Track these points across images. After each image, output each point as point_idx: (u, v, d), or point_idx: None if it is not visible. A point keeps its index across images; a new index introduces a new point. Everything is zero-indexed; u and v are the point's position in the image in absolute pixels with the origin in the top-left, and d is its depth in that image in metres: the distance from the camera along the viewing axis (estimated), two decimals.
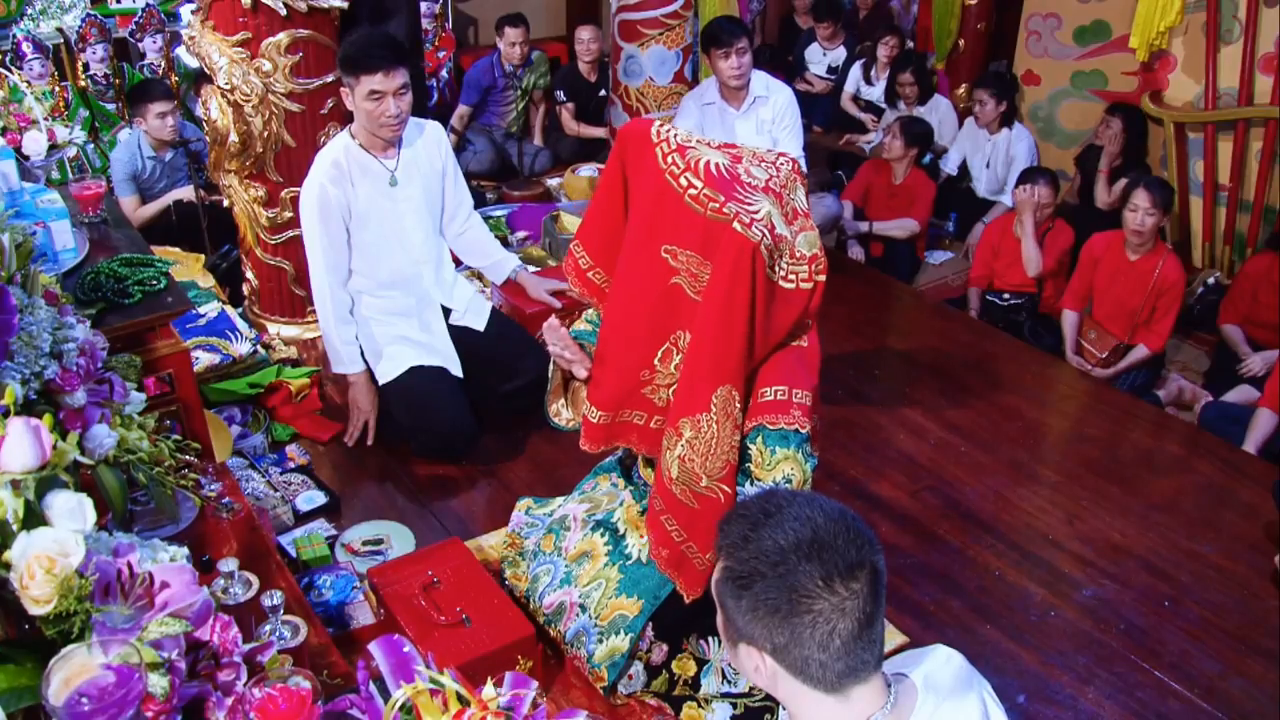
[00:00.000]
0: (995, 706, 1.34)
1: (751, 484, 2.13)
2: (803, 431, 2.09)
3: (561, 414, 2.49)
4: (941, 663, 1.34)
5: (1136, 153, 5.10)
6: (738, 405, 2.04)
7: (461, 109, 5.95)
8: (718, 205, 1.96)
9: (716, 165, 2.02)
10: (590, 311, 2.50)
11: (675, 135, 2.07)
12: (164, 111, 4.52)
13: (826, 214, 4.84)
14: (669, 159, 2.02)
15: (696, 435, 2.05)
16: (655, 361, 2.16)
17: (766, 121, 4.06)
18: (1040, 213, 4.52)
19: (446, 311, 3.31)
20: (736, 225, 1.93)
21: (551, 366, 2.43)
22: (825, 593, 1.18)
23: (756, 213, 1.96)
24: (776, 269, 2.02)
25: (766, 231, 1.95)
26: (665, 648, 2.37)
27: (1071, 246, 4.54)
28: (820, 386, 2.23)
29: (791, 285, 2.05)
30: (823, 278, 2.09)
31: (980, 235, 5.05)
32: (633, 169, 2.13)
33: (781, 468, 2.10)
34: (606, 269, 2.27)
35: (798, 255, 2.05)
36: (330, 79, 3.59)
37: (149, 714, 1.12)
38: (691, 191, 1.98)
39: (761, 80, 4.09)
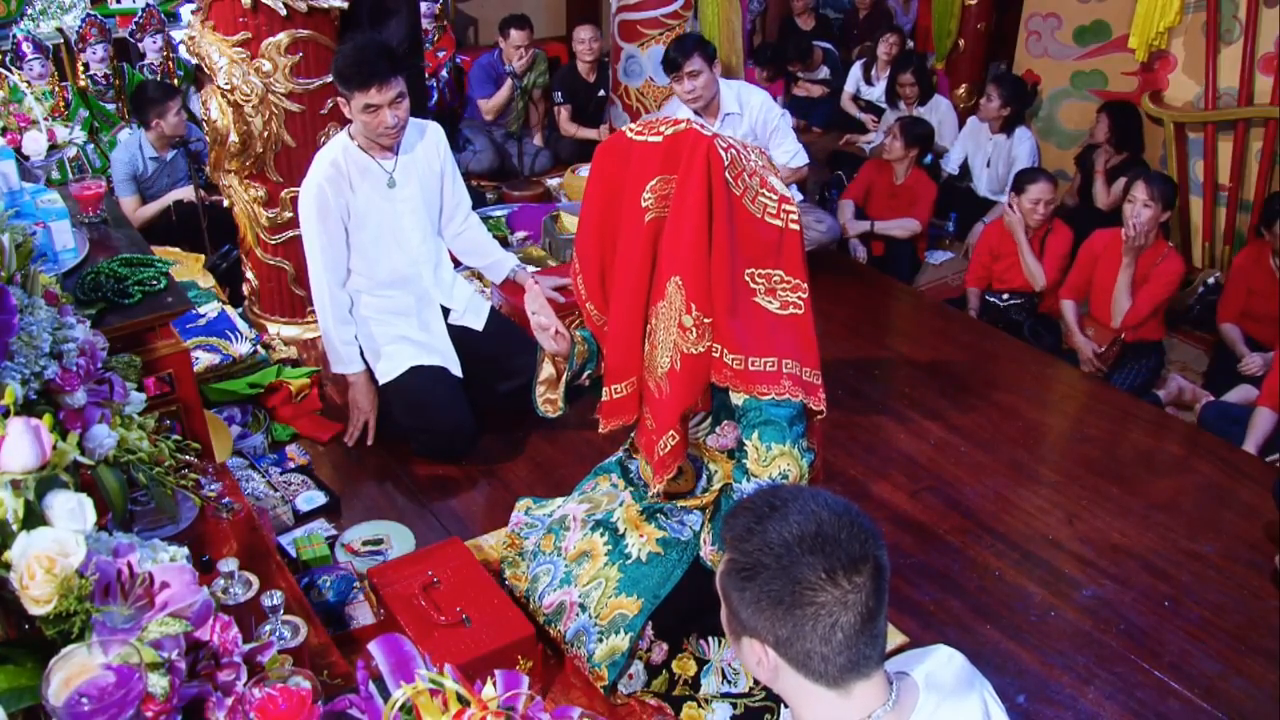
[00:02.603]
0: (996, 707, 1.34)
1: (748, 480, 2.14)
2: (795, 400, 2.11)
3: (548, 400, 2.50)
4: (943, 662, 1.35)
5: (1134, 151, 5.10)
6: (683, 299, 2.09)
7: (484, 104, 5.92)
8: (672, 123, 2.10)
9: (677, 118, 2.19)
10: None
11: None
12: (179, 108, 4.61)
13: (829, 230, 4.80)
14: (636, 130, 2.16)
15: (658, 322, 2.16)
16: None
17: (745, 135, 4.04)
18: (1041, 211, 4.48)
19: (446, 311, 3.32)
20: (692, 127, 2.07)
21: (540, 354, 2.45)
22: (828, 585, 1.18)
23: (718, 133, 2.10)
24: (740, 182, 2.08)
25: (721, 138, 2.07)
26: (665, 647, 2.37)
27: (1070, 249, 4.50)
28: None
29: (757, 212, 2.10)
30: (796, 226, 2.13)
31: (978, 236, 5.05)
32: (615, 171, 2.18)
33: (778, 463, 2.11)
34: (586, 278, 2.32)
35: (769, 185, 2.12)
36: (330, 79, 3.58)
37: (149, 714, 1.12)
38: (653, 130, 2.11)
39: (732, 95, 4.05)
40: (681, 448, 2.23)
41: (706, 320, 2.11)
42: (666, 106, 4.39)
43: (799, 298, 2.16)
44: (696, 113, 4.06)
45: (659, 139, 2.08)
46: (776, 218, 2.12)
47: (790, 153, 4.21)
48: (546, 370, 2.48)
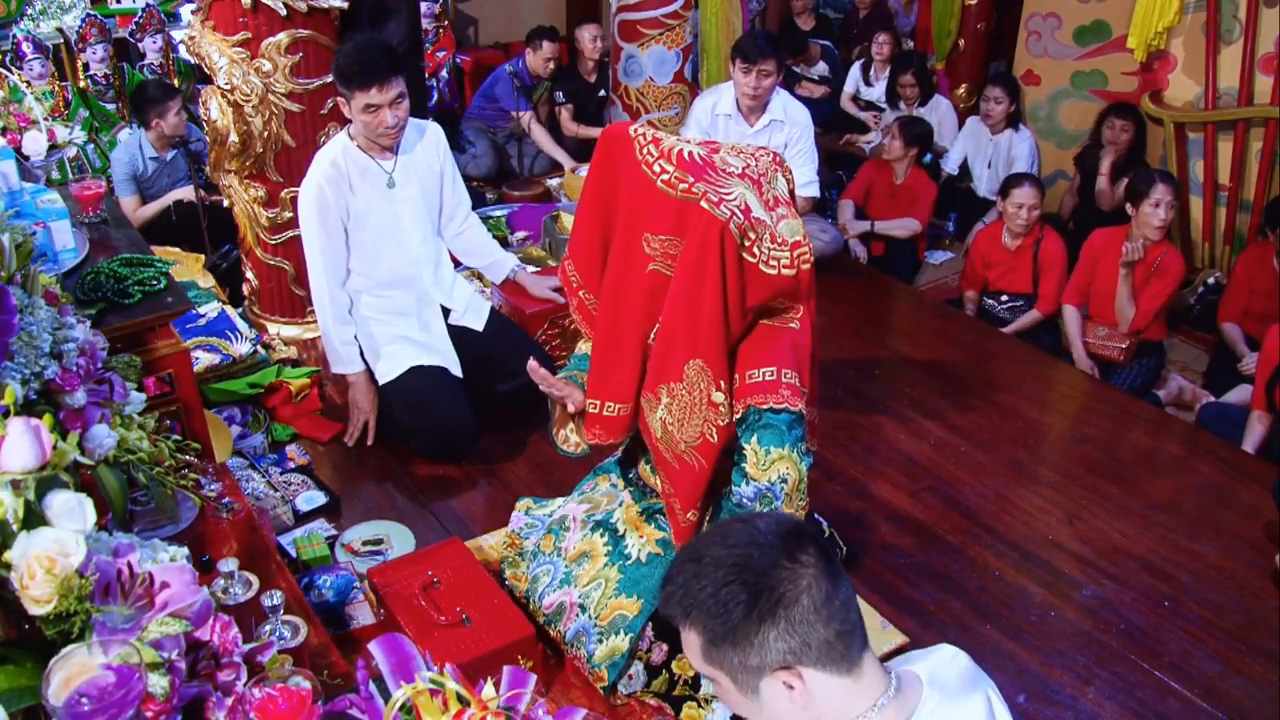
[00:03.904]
0: (1001, 706, 1.33)
1: (747, 484, 2.13)
2: (794, 410, 2.10)
3: (570, 439, 2.50)
4: (947, 661, 1.34)
5: (1136, 152, 5.10)
6: (709, 380, 2.07)
7: (526, 117, 5.87)
8: (687, 185, 2.02)
9: (690, 153, 2.08)
10: (581, 345, 2.53)
11: (653, 131, 2.14)
12: (179, 108, 4.61)
13: (833, 241, 4.79)
14: (644, 150, 2.10)
15: (673, 401, 2.13)
16: (651, 342, 2.21)
17: (779, 146, 4.03)
18: (1024, 216, 4.46)
19: (446, 311, 3.32)
20: (704, 203, 1.99)
21: (550, 400, 2.45)
22: (785, 563, 1.20)
23: (729, 195, 2.02)
24: (755, 250, 2.04)
25: (739, 211, 2.00)
26: (665, 648, 2.37)
27: (1066, 257, 4.46)
28: (820, 386, 2.23)
29: (773, 271, 2.06)
30: (807, 266, 2.11)
31: (970, 242, 5.04)
32: (614, 169, 2.16)
33: (776, 467, 2.10)
34: (579, 265, 2.31)
35: (779, 240, 2.07)
36: (330, 79, 3.58)
37: (149, 714, 1.12)
38: (664, 177, 2.04)
39: (780, 103, 4.04)
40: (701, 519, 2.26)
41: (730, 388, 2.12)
42: (700, 101, 4.31)
43: (796, 316, 2.17)
44: (743, 111, 4.03)
45: (671, 193, 2.02)
46: (790, 267, 2.08)
47: (805, 180, 4.14)
48: (559, 410, 2.47)
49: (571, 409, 2.38)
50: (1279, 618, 2.77)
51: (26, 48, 5.10)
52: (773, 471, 2.10)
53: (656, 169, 2.06)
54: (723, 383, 2.08)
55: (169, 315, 2.47)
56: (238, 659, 1.24)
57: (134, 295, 2.41)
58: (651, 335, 2.19)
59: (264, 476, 3.08)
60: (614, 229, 2.19)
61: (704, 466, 2.16)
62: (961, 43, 6.45)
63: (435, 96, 6.26)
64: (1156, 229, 4.02)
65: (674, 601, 1.25)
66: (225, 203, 3.97)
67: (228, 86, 3.55)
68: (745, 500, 2.15)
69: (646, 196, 2.08)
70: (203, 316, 3.63)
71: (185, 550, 1.39)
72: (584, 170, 5.36)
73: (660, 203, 2.05)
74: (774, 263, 2.06)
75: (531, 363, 2.35)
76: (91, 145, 5.13)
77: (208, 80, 3.71)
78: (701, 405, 2.10)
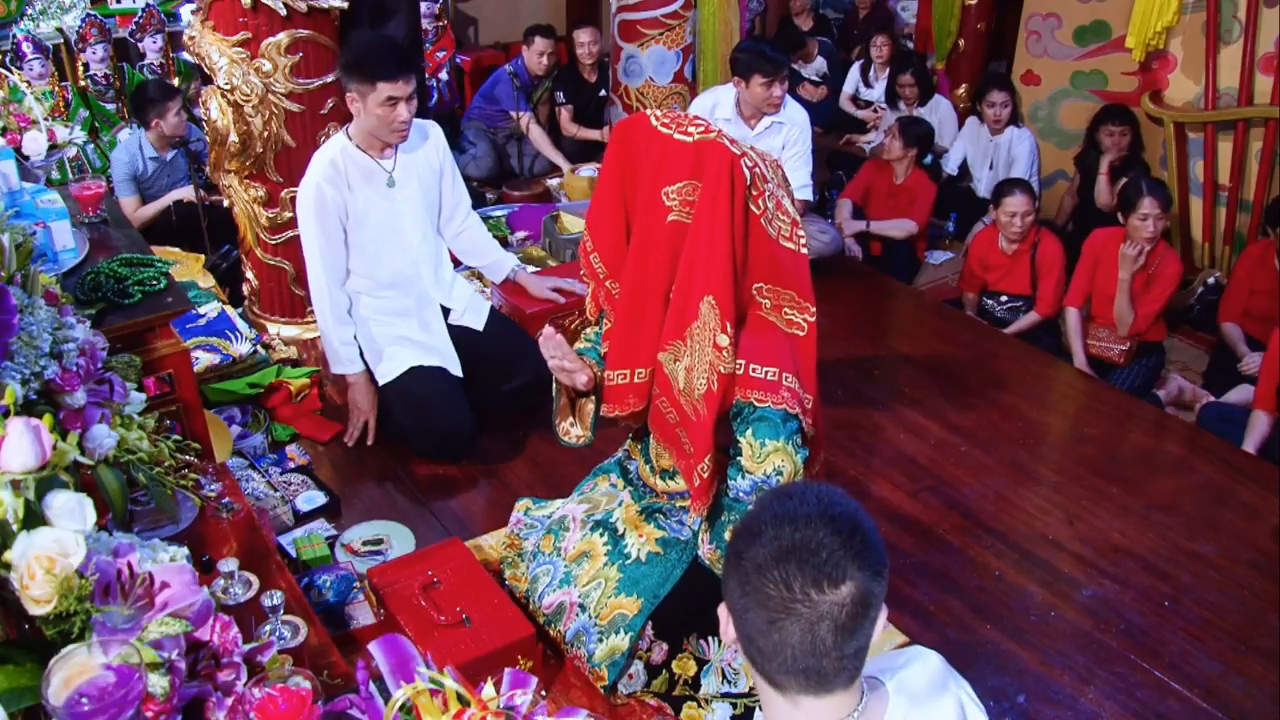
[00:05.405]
0: (974, 707, 1.32)
1: (743, 477, 2.13)
2: (792, 413, 2.10)
3: (571, 431, 2.50)
4: (917, 665, 1.31)
5: (1135, 152, 5.10)
6: (717, 318, 2.08)
7: (524, 116, 5.87)
8: (702, 129, 2.09)
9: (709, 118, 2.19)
10: (589, 330, 2.52)
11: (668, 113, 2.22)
12: (179, 109, 4.61)
13: (832, 241, 4.80)
14: (662, 120, 2.15)
15: (694, 344, 2.14)
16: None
17: (777, 148, 4.08)
18: (1018, 224, 4.45)
19: (446, 311, 3.32)
20: (721, 140, 2.06)
21: (555, 386, 2.44)
22: (780, 584, 1.12)
23: (744, 148, 2.08)
24: (760, 204, 2.07)
25: (750, 156, 2.06)
26: (665, 647, 2.37)
27: (1064, 260, 4.45)
28: (820, 387, 2.23)
29: (773, 234, 2.10)
30: (805, 251, 2.15)
31: (968, 244, 5.03)
32: (632, 149, 2.18)
33: (772, 460, 2.10)
34: (604, 255, 2.31)
35: (783, 208, 2.12)
36: (330, 79, 3.59)
37: (149, 714, 1.12)
38: (682, 127, 2.11)
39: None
40: (716, 471, 2.23)
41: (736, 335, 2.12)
42: (697, 104, 4.33)
43: (804, 319, 2.17)
44: (743, 114, 4.07)
45: (687, 139, 2.07)
46: (790, 240, 2.12)
47: (800, 184, 4.17)
48: (563, 399, 2.46)
49: (584, 382, 2.36)
50: (1279, 618, 2.77)
51: (26, 48, 5.11)
52: (768, 464, 2.10)
53: (673, 126, 2.11)
54: (729, 325, 2.08)
55: (169, 315, 2.47)
56: (238, 659, 1.25)
57: (134, 295, 2.41)
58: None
59: (264, 476, 3.08)
60: (635, 202, 2.20)
61: (705, 418, 2.14)
62: (961, 43, 6.45)
63: (435, 96, 6.26)
64: (1145, 240, 4.03)
65: (768, 492, 1.24)
66: (225, 203, 3.97)
67: (228, 86, 3.55)
68: (742, 494, 2.15)
69: (664, 151, 2.11)
70: (203, 316, 3.63)
71: (185, 550, 1.39)
72: (584, 170, 5.40)
73: (678, 151, 2.09)
74: (775, 226, 2.10)
75: (547, 329, 2.33)
76: (91, 145, 5.14)
77: (208, 80, 3.71)
78: (708, 347, 2.10)
